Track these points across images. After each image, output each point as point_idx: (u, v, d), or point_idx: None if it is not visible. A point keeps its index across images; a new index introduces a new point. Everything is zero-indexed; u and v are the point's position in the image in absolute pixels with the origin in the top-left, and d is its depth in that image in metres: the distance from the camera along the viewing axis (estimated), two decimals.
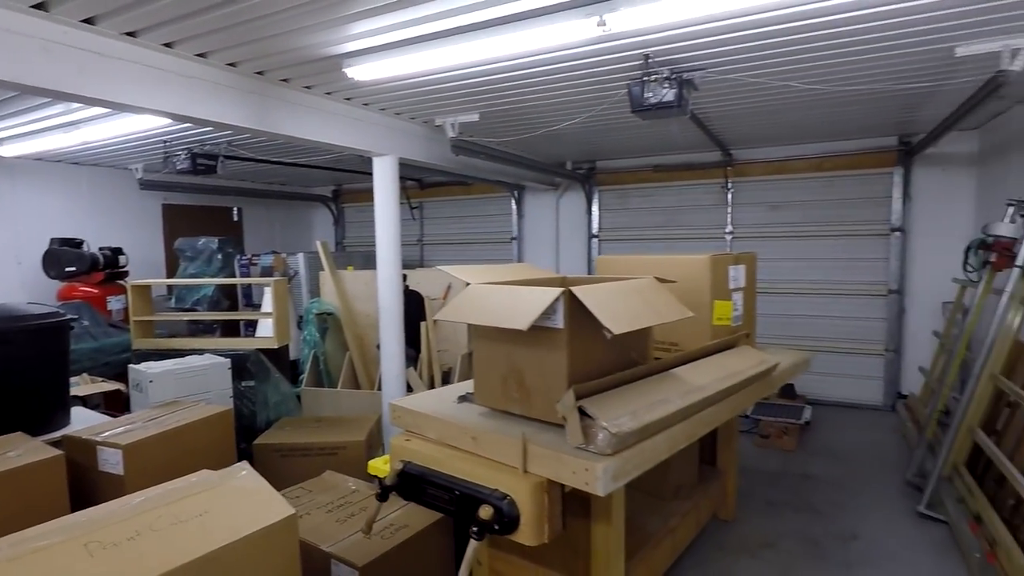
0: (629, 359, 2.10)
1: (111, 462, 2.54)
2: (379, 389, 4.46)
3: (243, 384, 3.76)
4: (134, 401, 3.24)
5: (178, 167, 4.96)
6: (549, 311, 1.81)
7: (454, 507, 1.89)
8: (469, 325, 2.15)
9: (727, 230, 6.25)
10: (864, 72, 3.29)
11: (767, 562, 3.03)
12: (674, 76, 2.90)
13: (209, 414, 2.89)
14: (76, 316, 3.38)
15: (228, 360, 3.41)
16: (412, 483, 2.03)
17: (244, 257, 6.87)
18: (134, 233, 6.71)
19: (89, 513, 1.62)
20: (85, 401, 3.71)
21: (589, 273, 6.98)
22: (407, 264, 8.13)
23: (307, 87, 3.52)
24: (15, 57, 2.29)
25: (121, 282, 5.69)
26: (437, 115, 4.36)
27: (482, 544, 1.78)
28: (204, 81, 2.98)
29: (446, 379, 4.61)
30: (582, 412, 1.73)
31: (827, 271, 5.83)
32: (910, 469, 3.99)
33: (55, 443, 2.76)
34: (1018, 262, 3.16)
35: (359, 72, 3.08)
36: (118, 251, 5.46)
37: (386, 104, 4.02)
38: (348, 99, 3.83)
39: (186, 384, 3.25)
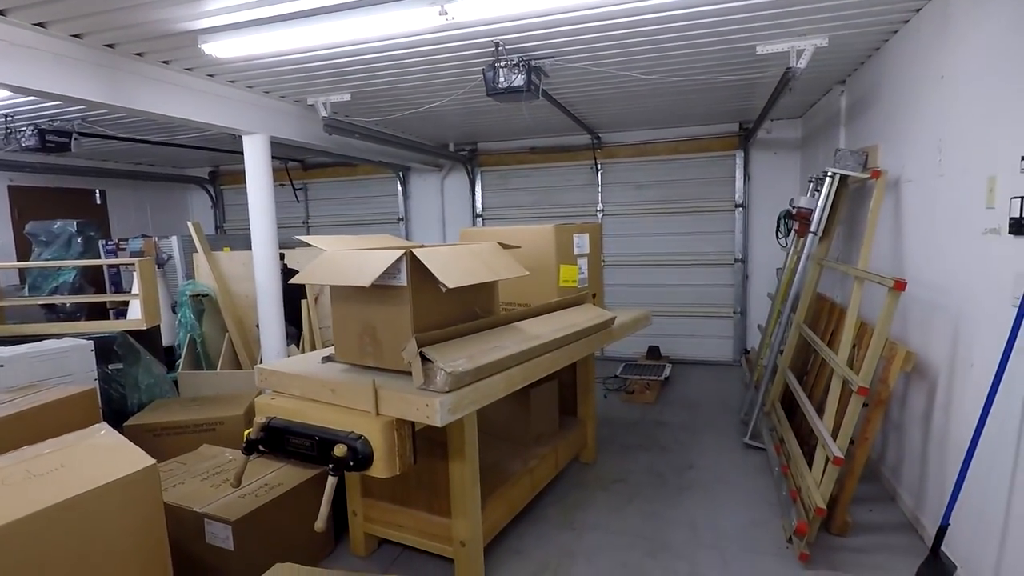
0: (472, 314, 2.38)
1: None
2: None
3: (110, 367, 3.67)
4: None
5: (24, 144, 4.62)
6: (392, 270, 2.04)
7: (315, 452, 2.08)
8: (331, 291, 2.33)
9: (598, 208, 6.75)
10: (689, 64, 3.76)
11: (617, 494, 3.47)
12: (523, 63, 3.19)
13: (71, 393, 2.85)
14: None
15: (91, 342, 3.34)
16: (276, 436, 2.19)
17: (111, 242, 6.49)
18: None
19: None
20: None
21: None
22: (293, 246, 8.04)
23: (164, 62, 3.46)
24: None
25: None
26: (308, 94, 4.40)
27: (337, 481, 1.99)
28: (44, 52, 2.88)
29: None
30: (424, 357, 1.98)
31: (685, 243, 6.50)
32: (742, 409, 4.65)
33: None
34: (812, 228, 3.79)
35: (216, 49, 3.09)
36: None
37: (253, 82, 4.01)
38: (211, 76, 3.79)
39: (43, 368, 3.15)
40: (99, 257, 6.15)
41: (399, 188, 7.49)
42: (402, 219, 7.53)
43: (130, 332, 3.77)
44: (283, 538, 2.63)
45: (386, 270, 1.98)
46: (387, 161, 6.75)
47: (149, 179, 7.85)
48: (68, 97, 3.05)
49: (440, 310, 2.21)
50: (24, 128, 4.61)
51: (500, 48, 3.17)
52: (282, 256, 4.57)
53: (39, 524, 1.53)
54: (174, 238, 6.11)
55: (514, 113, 5.16)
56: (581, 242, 3.25)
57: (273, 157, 7.23)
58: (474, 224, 7.21)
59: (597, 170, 6.65)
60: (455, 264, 2.15)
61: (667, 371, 5.77)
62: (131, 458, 1.79)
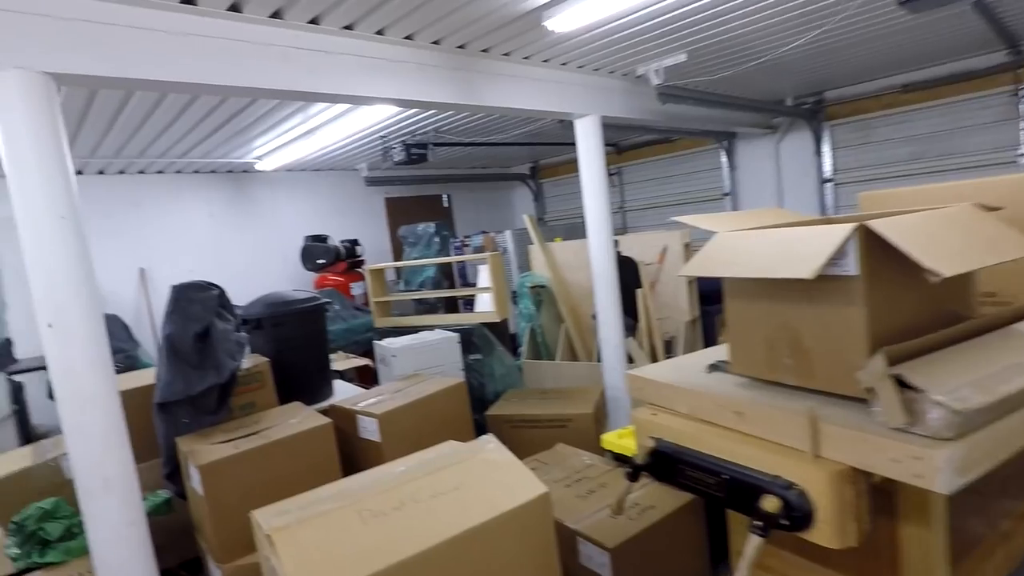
0: (949, 314, 1.59)
1: (369, 430, 2.75)
2: (598, 360, 4.32)
3: (471, 357, 3.89)
4: (381, 374, 3.52)
5: (395, 159, 5.34)
6: (837, 255, 1.42)
7: (723, 493, 1.61)
8: (726, 285, 1.83)
9: (1019, 152, 4.86)
10: None
11: None
12: None
13: (447, 385, 3.00)
14: (329, 300, 3.78)
15: (457, 335, 3.53)
16: (666, 462, 1.79)
17: (457, 240, 7.28)
18: (365, 225, 7.52)
19: (358, 480, 1.68)
20: (342, 375, 4.18)
21: None
22: (623, 231, 7.94)
23: (505, 54, 3.44)
24: (259, 67, 2.53)
25: (359, 269, 6.39)
26: (639, 63, 4.00)
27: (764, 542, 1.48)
28: (412, 64, 3.04)
29: (668, 349, 4.29)
30: (902, 383, 1.32)
31: None
32: None
33: (324, 411, 3.10)
34: None
35: (558, 23, 2.89)
36: (355, 243, 6.12)
37: (584, 60, 3.78)
38: (546, 61, 3.67)
39: (423, 358, 3.43)
40: (450, 254, 6.94)
41: (723, 159, 6.67)
42: (728, 194, 6.71)
43: (484, 324, 3.94)
44: (659, 569, 2.26)
45: (832, 254, 1.37)
46: (712, 129, 6.02)
47: (483, 180, 8.65)
48: (432, 103, 3.21)
49: (905, 312, 1.50)
50: (395, 145, 5.32)
51: None
52: (616, 243, 4.30)
53: (448, 552, 1.40)
54: (507, 232, 6.49)
55: (896, 36, 3.92)
56: None
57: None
58: (821, 192, 5.97)
59: (1019, 97, 4.77)
60: (934, 240, 1.41)
61: None
62: (526, 482, 1.59)
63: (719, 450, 1.66)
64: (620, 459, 2.74)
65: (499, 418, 3.52)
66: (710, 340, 4.69)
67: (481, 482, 1.60)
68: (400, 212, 7.88)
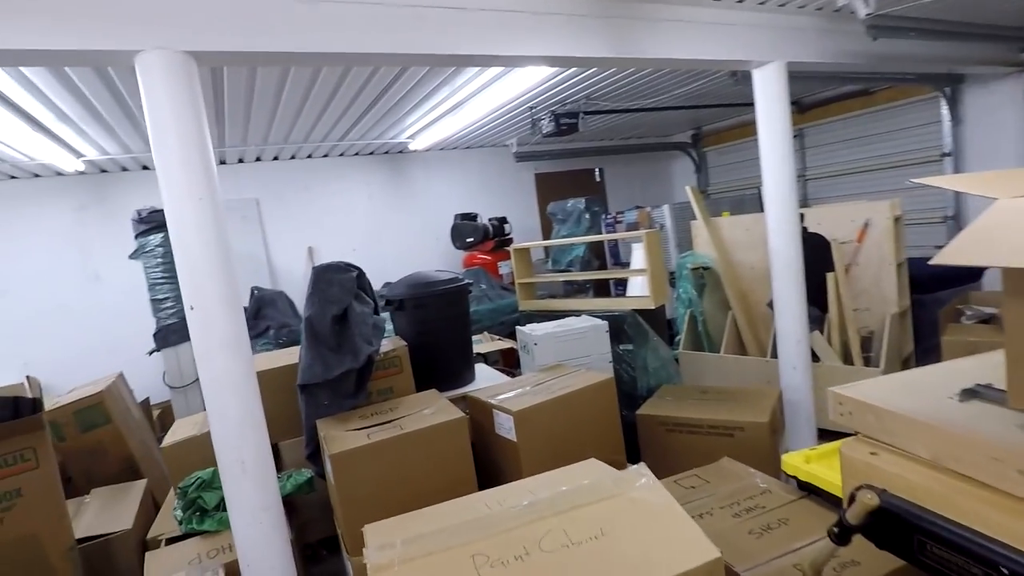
0: None
1: (505, 427, 2.50)
2: (772, 356, 3.66)
3: (621, 348, 3.49)
4: (522, 361, 3.27)
5: (544, 131, 5.02)
6: None
7: None
8: (1005, 277, 1.24)
9: None
10: None
11: None
12: None
13: (593, 382, 2.65)
14: (472, 281, 3.61)
15: (605, 323, 3.16)
16: (896, 528, 1.27)
17: (608, 216, 6.82)
18: (514, 202, 7.36)
19: (477, 506, 1.41)
20: (486, 358, 4.02)
21: None
22: (807, 204, 6.90)
23: None
24: (389, 30, 2.32)
25: (508, 248, 6.24)
26: None
27: None
28: (559, 16, 2.66)
29: (866, 347, 3.50)
30: None
31: None
32: None
33: (460, 401, 2.93)
34: None
35: None
36: (503, 220, 5.96)
37: None
38: None
39: (567, 347, 3.11)
40: (600, 231, 6.51)
41: (944, 111, 5.37)
42: (948, 154, 5.41)
43: (638, 311, 3.50)
44: None
45: None
46: (930, 72, 4.83)
47: (638, 151, 8.03)
48: (585, 59, 2.81)
49: None
50: (543, 116, 5.00)
51: None
52: (801, 217, 3.57)
53: None
54: (665, 207, 5.89)
55: None
56: None
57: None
58: None
59: None
60: None
61: None
62: (689, 537, 1.19)
63: (991, 526, 1.11)
64: (808, 489, 2.18)
65: (652, 419, 3.09)
66: (923, 339, 3.77)
67: (630, 532, 1.23)
68: (550, 188, 7.60)
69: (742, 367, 3.84)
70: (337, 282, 2.59)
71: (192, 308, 2.01)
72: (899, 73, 4.62)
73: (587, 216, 5.63)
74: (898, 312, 3.48)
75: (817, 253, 3.63)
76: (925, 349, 3.81)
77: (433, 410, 2.49)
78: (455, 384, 3.30)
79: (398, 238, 6.74)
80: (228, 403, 2.06)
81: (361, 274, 2.77)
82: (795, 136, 6.62)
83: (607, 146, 7.72)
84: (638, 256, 5.31)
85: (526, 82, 4.20)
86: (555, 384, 2.66)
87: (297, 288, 6.22)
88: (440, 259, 6.79)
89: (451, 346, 3.36)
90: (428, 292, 3.29)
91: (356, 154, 6.41)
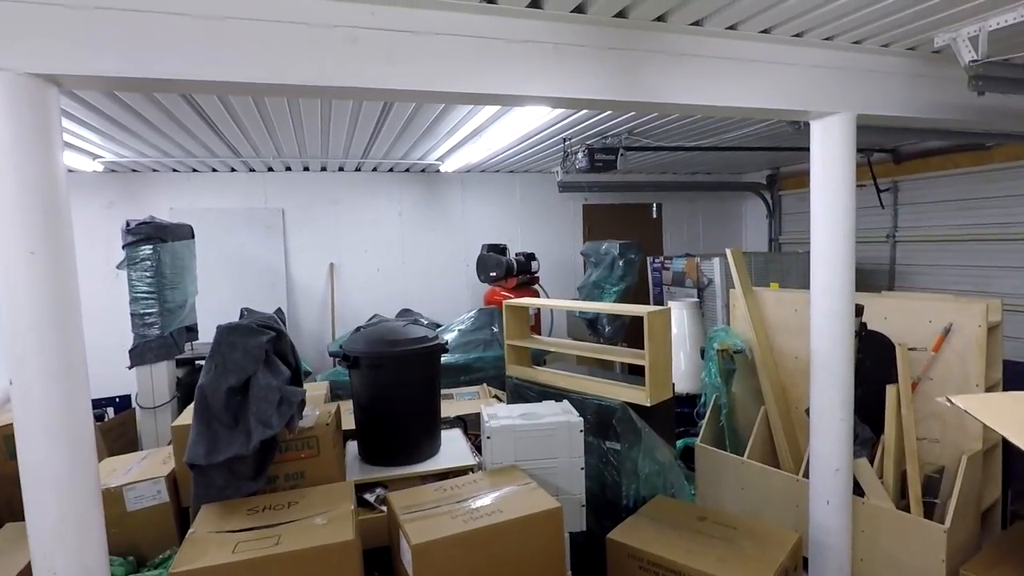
0: None
1: (406, 557, 1.99)
2: (807, 475, 2.91)
3: (607, 444, 2.87)
4: (483, 450, 2.73)
5: (577, 166, 4.46)
6: None
7: None
8: None
9: None
10: None
11: None
12: None
13: (535, 510, 2.07)
14: (446, 342, 3.10)
15: (580, 420, 2.56)
16: None
17: (657, 260, 6.12)
18: (558, 234, 6.80)
19: None
20: (466, 423, 3.50)
21: None
22: (870, 270, 5.89)
23: (695, 23, 2.29)
24: (314, 56, 1.88)
25: (536, 287, 5.70)
26: (938, 28, 2.45)
27: None
28: (539, 44, 2.12)
29: (930, 489, 2.68)
30: None
31: None
32: None
33: (377, 503, 2.45)
34: None
35: None
36: (531, 256, 5.43)
37: (837, 26, 2.40)
38: (766, 31, 2.41)
39: (530, 446, 2.54)
40: (642, 277, 5.83)
41: None
42: None
43: (632, 404, 2.86)
44: None
45: None
46: None
47: (704, 189, 7.24)
48: (574, 100, 2.25)
49: None
50: (576, 149, 4.44)
51: None
52: (859, 310, 2.81)
53: None
54: (716, 259, 5.13)
55: None
56: None
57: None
58: None
59: None
60: None
61: None
62: None
63: None
64: None
65: (624, 549, 2.46)
66: (1017, 483, 2.87)
67: None
68: (599, 221, 6.97)
69: (768, 480, 3.11)
70: (242, 347, 2.18)
71: (11, 383, 1.64)
72: (1011, 131, 3.68)
73: (621, 263, 4.98)
74: (981, 450, 2.63)
75: (877, 357, 2.84)
76: (1019, 494, 2.91)
77: (326, 519, 2.02)
78: (413, 458, 2.83)
79: (426, 261, 6.36)
80: (46, 502, 1.68)
81: (280, 336, 2.34)
82: (887, 190, 5.68)
83: (667, 181, 7.00)
84: (671, 319, 4.62)
85: (548, 113, 3.67)
86: (487, 504, 2.11)
87: (316, 304, 5.99)
88: (467, 288, 6.35)
89: (412, 414, 2.89)
90: (388, 352, 2.84)
91: (390, 170, 6.10)
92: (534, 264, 5.39)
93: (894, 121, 2.93)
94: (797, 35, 2.47)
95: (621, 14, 2.18)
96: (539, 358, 4.22)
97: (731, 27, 2.35)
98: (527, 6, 2.05)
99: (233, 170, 5.68)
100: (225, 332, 2.20)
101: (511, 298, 5.28)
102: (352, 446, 2.97)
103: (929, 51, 2.66)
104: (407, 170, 6.12)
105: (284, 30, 1.84)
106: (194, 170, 5.57)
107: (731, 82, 2.41)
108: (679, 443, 3.79)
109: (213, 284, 4.99)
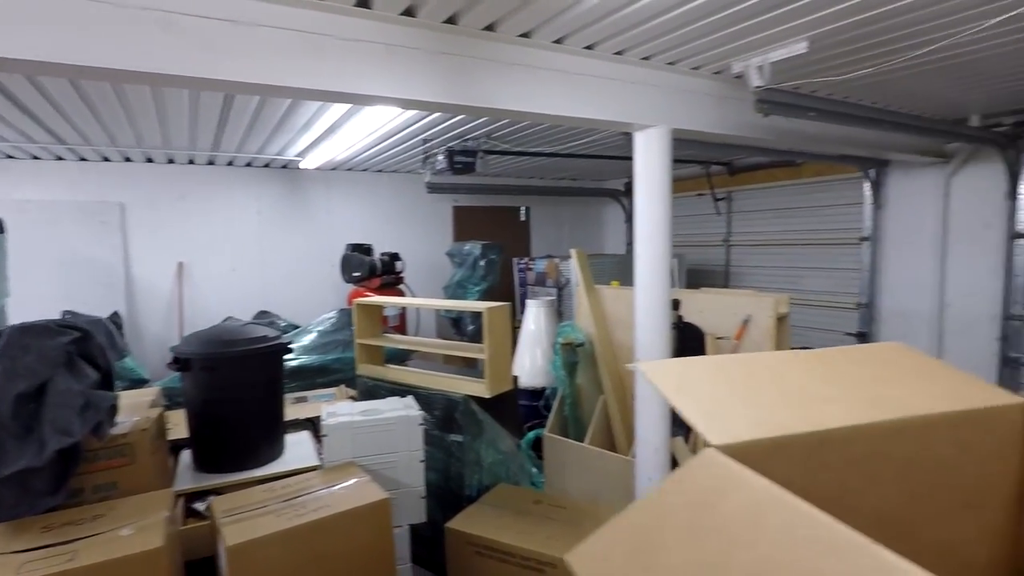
0: None
1: (223, 562, 1.93)
2: (634, 456, 3.18)
3: (451, 437, 2.96)
4: (323, 446, 2.70)
5: (437, 168, 4.53)
6: None
7: None
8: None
9: None
10: None
11: None
12: None
13: (359, 504, 2.10)
14: (290, 341, 3.03)
15: (420, 414, 2.61)
16: None
17: (522, 261, 6.35)
18: (428, 235, 6.82)
19: None
20: (316, 425, 3.42)
21: (1007, 297, 4.30)
22: (709, 271, 6.55)
23: (523, 35, 2.44)
24: (122, 39, 1.77)
25: (402, 287, 5.69)
26: (735, 56, 2.80)
27: None
28: (371, 44, 2.16)
29: None
30: None
31: None
32: None
33: (207, 512, 2.35)
34: None
35: None
36: (395, 256, 5.42)
37: (652, 47, 2.67)
38: (589, 47, 2.62)
39: (368, 442, 2.55)
40: (509, 278, 6.04)
41: (867, 192, 5.08)
42: (867, 239, 5.11)
43: (475, 396, 2.97)
44: None
45: None
46: (852, 154, 4.52)
47: (569, 194, 7.62)
48: (401, 100, 2.30)
49: None
50: (437, 151, 4.51)
51: None
52: (676, 304, 3.13)
53: None
54: (571, 261, 5.42)
55: None
56: None
57: (692, 161, 5.94)
58: (1010, 249, 4.25)
59: None
60: None
61: None
62: None
63: None
64: None
65: (462, 536, 2.55)
66: None
67: None
68: (470, 223, 7.10)
69: (604, 463, 3.35)
70: (36, 349, 1.99)
71: None
72: (814, 151, 4.29)
73: (482, 264, 5.12)
74: None
75: (693, 347, 3.18)
76: None
77: (134, 529, 1.90)
78: (251, 463, 2.73)
79: (288, 261, 6.11)
80: None
81: (87, 338, 2.17)
82: (723, 199, 6.33)
83: (536, 185, 7.28)
84: (529, 317, 4.84)
85: (405, 113, 3.70)
86: (312, 501, 2.10)
87: (162, 306, 5.54)
88: (333, 290, 6.19)
89: (250, 417, 2.79)
90: (223, 353, 2.71)
91: (248, 164, 5.79)
92: (399, 264, 5.38)
93: (708, 137, 3.29)
94: (618, 53, 2.70)
95: (452, 20, 2.27)
96: (404, 358, 4.22)
97: (557, 41, 2.52)
98: (355, 5, 2.08)
99: (60, 158, 5.11)
100: (16, 333, 2.00)
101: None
102: (187, 454, 2.81)
103: (732, 76, 3.02)
104: (266, 165, 5.86)
105: (87, 5, 1.72)
106: (9, 156, 4.94)
107: (558, 93, 2.59)
108: (531, 434, 3.96)
109: (33, 285, 4.47)
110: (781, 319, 3.05)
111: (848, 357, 1.03)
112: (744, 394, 0.87)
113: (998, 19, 2.26)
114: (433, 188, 6.23)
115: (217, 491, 2.54)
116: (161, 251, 5.52)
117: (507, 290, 6.33)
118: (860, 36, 2.52)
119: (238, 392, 2.74)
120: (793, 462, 0.79)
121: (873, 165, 4.93)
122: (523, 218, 7.43)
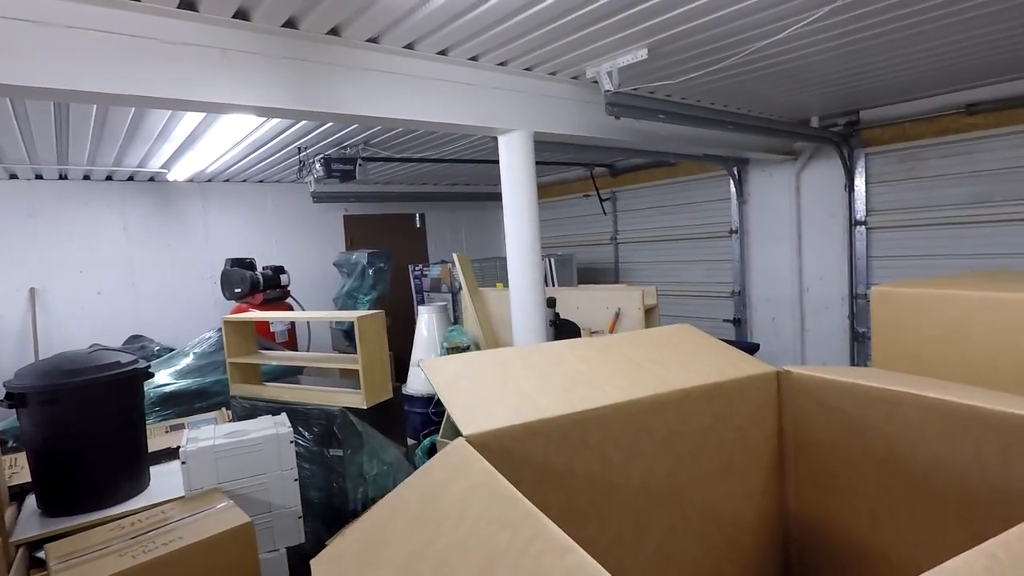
0: None
1: None
2: None
3: (331, 452, 2.87)
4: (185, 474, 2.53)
5: (315, 176, 4.39)
6: None
7: None
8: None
9: None
10: None
11: None
12: None
13: (217, 531, 1.99)
14: (148, 366, 2.81)
15: (289, 431, 2.52)
16: None
17: (417, 268, 6.30)
18: (318, 246, 6.60)
19: None
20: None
21: (852, 278, 4.78)
22: (600, 268, 6.81)
23: (372, 40, 2.42)
24: None
25: (289, 301, 5.47)
26: (588, 61, 2.93)
27: None
28: (208, 48, 2.06)
29: None
30: None
31: None
32: None
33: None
34: None
35: None
36: (279, 270, 5.20)
37: (509, 53, 2.73)
38: (442, 53, 2.64)
39: (233, 465, 2.42)
40: (406, 285, 5.97)
41: (732, 189, 5.48)
42: (735, 231, 5.51)
43: (352, 408, 2.91)
44: None
45: None
46: (713, 154, 4.86)
47: (463, 199, 7.65)
48: (244, 107, 2.21)
49: None
50: (313, 159, 4.38)
51: None
52: (552, 302, 3.22)
53: None
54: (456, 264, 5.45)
55: (962, 41, 2.75)
56: None
57: (574, 164, 6.15)
58: (852, 235, 4.73)
59: None
60: None
61: None
62: None
63: None
64: None
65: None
66: None
67: None
68: (362, 232, 6.94)
69: None
70: None
71: None
72: (680, 152, 4.57)
73: (371, 272, 5.03)
74: None
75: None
76: None
77: None
78: (108, 501, 2.49)
79: (162, 281, 5.70)
80: None
81: None
82: (608, 199, 6.59)
83: (430, 192, 7.25)
84: (422, 323, 4.80)
85: (274, 120, 3.56)
86: (162, 534, 1.96)
87: (8, 342, 5.00)
88: (215, 308, 5.84)
89: (104, 452, 2.56)
90: (65, 384, 2.47)
91: (108, 178, 5.35)
92: (284, 277, 5.17)
93: (571, 139, 3.41)
94: (472, 58, 2.75)
95: (292, 24, 2.21)
96: (295, 374, 4.05)
97: (408, 46, 2.52)
98: (178, 6, 1.97)
99: None
100: None
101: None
102: (32, 500, 2.55)
103: (589, 81, 3.15)
104: (130, 178, 5.43)
105: None
106: None
107: (411, 98, 2.59)
108: (426, 441, 3.92)
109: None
110: (649, 310, 3.21)
111: (630, 341, 1.10)
112: (514, 385, 0.91)
113: (808, 19, 2.51)
114: (319, 198, 6.04)
115: (67, 535, 2.32)
116: (8, 276, 4.98)
117: (405, 297, 6.26)
118: (692, 44, 2.72)
119: (86, 426, 2.52)
120: (551, 443, 0.83)
121: (735, 163, 5.32)
122: (418, 225, 7.38)
